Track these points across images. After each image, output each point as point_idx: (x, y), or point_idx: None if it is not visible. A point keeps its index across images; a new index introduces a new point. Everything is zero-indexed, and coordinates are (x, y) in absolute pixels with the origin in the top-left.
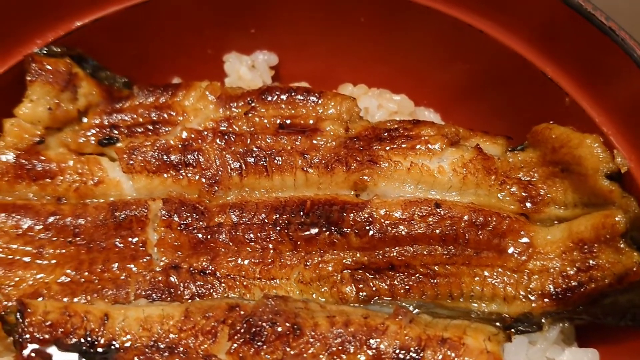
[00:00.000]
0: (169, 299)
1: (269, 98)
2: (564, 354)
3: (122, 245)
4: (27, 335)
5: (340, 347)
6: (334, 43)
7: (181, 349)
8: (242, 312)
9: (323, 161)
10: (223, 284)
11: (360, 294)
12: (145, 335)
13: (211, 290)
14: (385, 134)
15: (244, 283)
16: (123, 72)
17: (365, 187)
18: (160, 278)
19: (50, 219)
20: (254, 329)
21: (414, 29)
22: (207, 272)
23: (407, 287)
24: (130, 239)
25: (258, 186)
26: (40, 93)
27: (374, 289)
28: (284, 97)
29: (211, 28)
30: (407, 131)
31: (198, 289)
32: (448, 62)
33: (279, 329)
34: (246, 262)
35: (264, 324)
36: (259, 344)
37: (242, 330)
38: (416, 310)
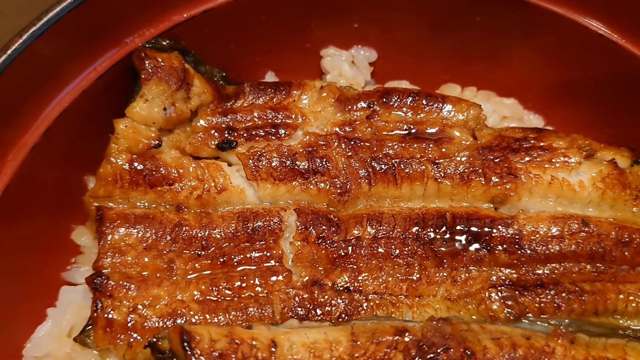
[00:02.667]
0: (316, 318)
1: (391, 102)
2: None
3: (257, 259)
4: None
5: None
6: (439, 41)
7: None
8: (411, 337)
9: (457, 171)
10: (370, 302)
11: (509, 311)
12: None
13: (359, 309)
14: (516, 144)
15: (392, 301)
16: (218, 65)
17: (505, 201)
18: (304, 295)
19: (176, 230)
20: (429, 355)
21: (531, 32)
22: (352, 289)
23: (555, 304)
24: (265, 253)
25: (385, 195)
26: (155, 92)
27: (522, 306)
28: (406, 101)
29: (314, 21)
30: (537, 141)
31: (346, 307)
32: (560, 67)
33: (453, 354)
34: (391, 279)
35: (438, 350)
36: None
37: (417, 357)
38: (569, 329)
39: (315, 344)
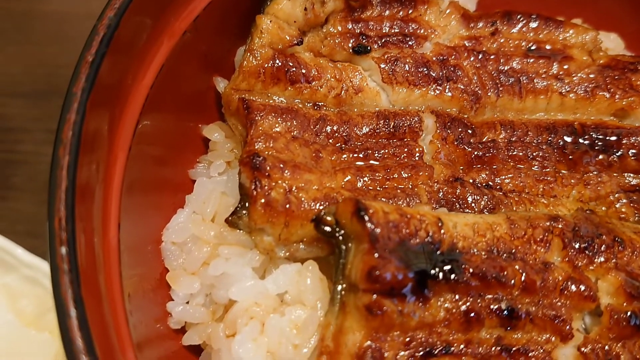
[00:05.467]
0: (461, 210)
1: (514, 21)
2: None
3: (398, 155)
4: (378, 230)
5: None
6: None
7: (519, 255)
8: (565, 223)
9: (580, 86)
10: (510, 200)
11: (637, 214)
12: (482, 240)
13: (499, 205)
14: (632, 66)
15: (530, 199)
16: None
17: (628, 114)
18: (447, 189)
19: (319, 124)
20: (584, 239)
21: None
22: (492, 185)
23: None
24: (405, 150)
25: (510, 107)
26: None
27: None
28: (528, 21)
29: None
30: None
31: (488, 201)
32: None
33: (605, 240)
34: (528, 179)
35: (592, 235)
36: (590, 253)
37: (573, 240)
38: None
39: (477, 224)
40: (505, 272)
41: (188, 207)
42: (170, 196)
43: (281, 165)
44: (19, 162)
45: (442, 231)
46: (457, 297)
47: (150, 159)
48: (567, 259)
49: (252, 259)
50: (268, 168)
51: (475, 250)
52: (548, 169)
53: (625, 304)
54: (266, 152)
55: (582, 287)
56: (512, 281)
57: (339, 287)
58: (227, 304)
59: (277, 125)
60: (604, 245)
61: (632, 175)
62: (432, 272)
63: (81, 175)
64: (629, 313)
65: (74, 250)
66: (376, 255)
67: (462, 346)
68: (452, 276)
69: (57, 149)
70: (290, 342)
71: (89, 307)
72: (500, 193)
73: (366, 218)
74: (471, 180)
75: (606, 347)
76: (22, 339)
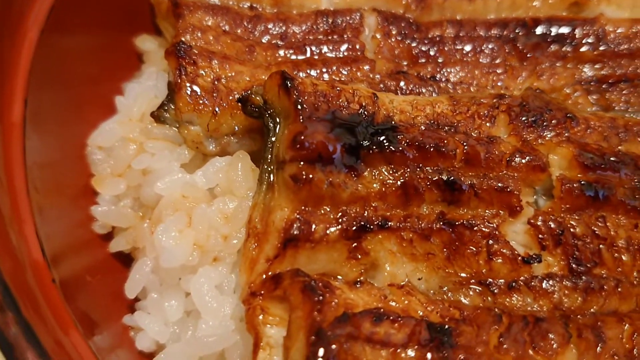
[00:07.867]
0: None
1: None
2: None
3: (338, 50)
4: (305, 98)
5: (614, 136)
6: None
7: (461, 129)
8: (512, 99)
9: None
10: (458, 91)
11: (595, 103)
12: (420, 114)
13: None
14: None
15: (480, 91)
16: None
17: (581, 8)
18: (389, 83)
19: (253, 21)
20: (532, 114)
21: None
22: (437, 78)
23: None
24: (346, 45)
25: (459, 10)
26: None
27: (609, 101)
28: None
29: None
30: None
31: (433, 93)
32: None
33: (555, 115)
34: (477, 71)
35: (542, 110)
36: (539, 127)
37: (521, 116)
38: None
39: (416, 100)
40: (445, 142)
41: (118, 114)
42: (101, 111)
43: (209, 55)
44: None
45: (377, 105)
46: (392, 168)
47: (72, 71)
48: (513, 132)
49: (181, 154)
50: (194, 56)
51: (414, 122)
52: (498, 61)
53: (579, 176)
54: (193, 43)
55: (530, 158)
56: (454, 152)
57: (268, 168)
58: (155, 206)
59: (207, 19)
60: (554, 120)
61: (587, 66)
62: (365, 142)
63: None
64: (582, 182)
65: None
66: (301, 120)
67: (400, 221)
68: (387, 146)
69: None
70: (220, 233)
71: None
72: (447, 85)
73: (291, 87)
74: (415, 74)
75: (559, 219)
76: None
